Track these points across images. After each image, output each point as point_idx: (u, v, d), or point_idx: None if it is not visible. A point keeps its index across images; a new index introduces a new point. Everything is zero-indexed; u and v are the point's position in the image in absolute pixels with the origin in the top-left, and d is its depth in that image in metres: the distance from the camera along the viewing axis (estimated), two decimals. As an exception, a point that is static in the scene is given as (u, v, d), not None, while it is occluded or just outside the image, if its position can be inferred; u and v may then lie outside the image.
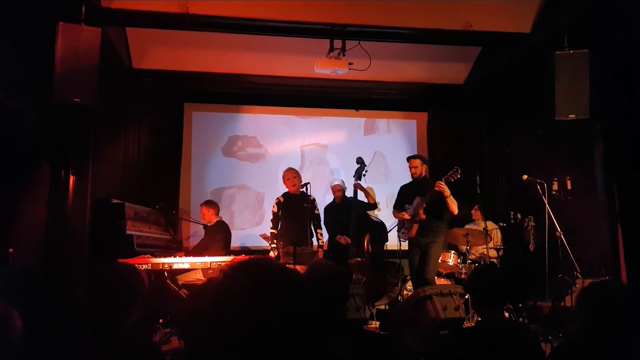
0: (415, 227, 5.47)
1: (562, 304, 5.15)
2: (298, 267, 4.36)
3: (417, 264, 5.47)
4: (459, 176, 5.25)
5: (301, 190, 5.99)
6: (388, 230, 6.48)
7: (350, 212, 6.14)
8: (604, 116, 5.00)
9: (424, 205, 5.37)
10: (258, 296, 0.93)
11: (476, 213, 6.52)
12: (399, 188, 5.93)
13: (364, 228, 6.19)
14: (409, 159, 5.76)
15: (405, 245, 5.88)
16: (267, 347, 0.91)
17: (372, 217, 6.61)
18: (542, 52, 5.05)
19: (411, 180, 5.72)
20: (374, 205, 6.37)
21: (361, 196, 6.23)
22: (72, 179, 4.90)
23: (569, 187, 5.88)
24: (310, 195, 5.87)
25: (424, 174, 5.59)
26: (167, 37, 6.10)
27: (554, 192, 5.82)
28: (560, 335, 4.83)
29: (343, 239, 6.06)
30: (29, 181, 4.69)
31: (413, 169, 5.58)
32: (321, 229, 6.17)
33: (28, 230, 4.62)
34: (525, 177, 5.55)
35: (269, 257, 5.58)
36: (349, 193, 6.35)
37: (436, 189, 5.25)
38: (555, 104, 4.83)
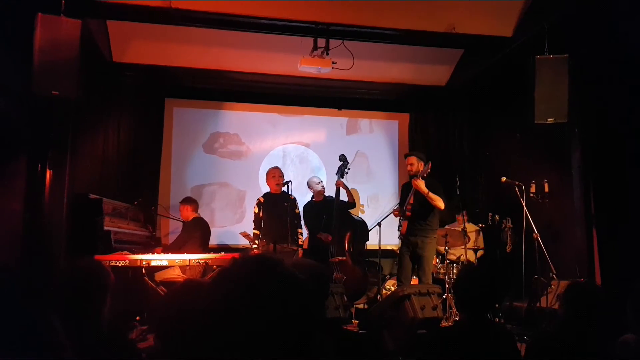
0: (405, 224, 5.41)
1: (538, 304, 5.23)
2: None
3: (405, 263, 5.35)
4: (429, 170, 5.18)
5: (282, 189, 5.98)
6: (369, 229, 6.50)
7: (329, 210, 6.14)
8: (582, 120, 5.09)
9: (411, 202, 5.34)
10: (264, 292, 0.93)
11: (460, 218, 6.52)
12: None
13: (345, 226, 6.20)
14: (405, 156, 5.66)
15: (385, 245, 5.88)
16: (265, 342, 0.90)
17: (353, 216, 6.62)
18: (524, 56, 5.11)
19: (410, 177, 5.60)
20: (353, 204, 6.38)
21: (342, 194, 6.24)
22: (49, 173, 4.80)
23: (547, 189, 5.98)
24: (290, 195, 5.86)
25: (420, 170, 5.36)
26: (149, 31, 6.03)
27: (531, 195, 5.91)
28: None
29: (324, 237, 6.06)
30: (5, 174, 4.59)
31: (409, 166, 5.44)
32: (301, 228, 6.11)
33: (3, 224, 4.52)
34: (503, 179, 5.62)
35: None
36: (330, 191, 6.36)
37: (413, 187, 5.24)
38: (534, 107, 4.90)
